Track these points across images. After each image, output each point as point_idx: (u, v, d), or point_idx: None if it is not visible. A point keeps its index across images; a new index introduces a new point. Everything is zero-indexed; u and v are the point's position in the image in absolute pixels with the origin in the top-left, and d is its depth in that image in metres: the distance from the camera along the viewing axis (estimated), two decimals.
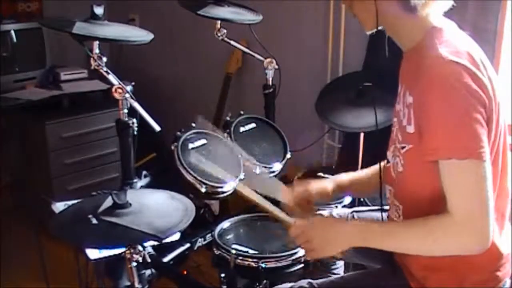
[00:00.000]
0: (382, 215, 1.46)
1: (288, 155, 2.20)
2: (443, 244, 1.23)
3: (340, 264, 1.82)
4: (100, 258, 1.72)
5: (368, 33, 1.41)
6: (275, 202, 2.26)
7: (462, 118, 1.19)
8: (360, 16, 1.40)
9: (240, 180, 1.97)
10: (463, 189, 1.20)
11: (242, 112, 2.23)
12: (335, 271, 1.78)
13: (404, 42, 1.37)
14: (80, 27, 1.75)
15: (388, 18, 1.34)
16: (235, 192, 1.83)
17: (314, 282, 1.54)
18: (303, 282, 1.55)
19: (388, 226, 1.41)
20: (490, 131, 1.24)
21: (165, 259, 1.93)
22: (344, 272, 1.84)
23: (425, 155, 1.23)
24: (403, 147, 1.34)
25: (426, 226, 1.24)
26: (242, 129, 2.19)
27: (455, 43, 1.26)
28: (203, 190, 1.86)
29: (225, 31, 2.31)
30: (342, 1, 1.43)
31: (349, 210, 1.79)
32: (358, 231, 1.36)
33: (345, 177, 1.67)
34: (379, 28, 1.37)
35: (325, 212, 1.75)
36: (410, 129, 1.29)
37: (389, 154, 1.45)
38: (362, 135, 2.25)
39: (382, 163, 1.48)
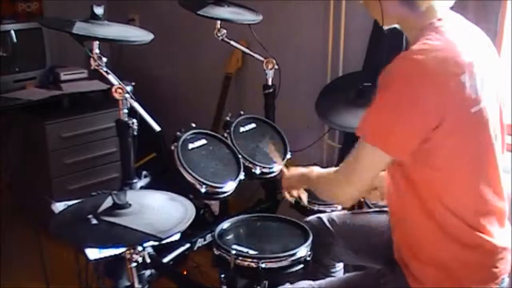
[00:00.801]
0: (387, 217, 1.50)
1: (288, 155, 2.20)
2: (326, 189, 1.56)
3: (340, 266, 1.82)
4: (100, 258, 1.72)
5: (386, 28, 1.43)
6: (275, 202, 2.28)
7: (392, 111, 1.27)
8: (373, 14, 1.43)
9: (241, 180, 1.97)
10: (357, 160, 1.36)
11: (242, 112, 2.23)
12: (334, 274, 1.78)
13: (411, 38, 1.39)
14: (80, 27, 1.75)
15: (393, 15, 1.37)
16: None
17: (314, 283, 1.54)
18: (303, 283, 1.55)
19: (314, 178, 1.63)
20: (451, 131, 1.27)
21: (165, 259, 1.93)
22: (344, 274, 1.84)
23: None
24: None
25: (322, 176, 1.58)
26: (242, 129, 2.19)
27: (435, 41, 1.28)
28: (203, 190, 1.86)
29: (225, 31, 2.31)
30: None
31: (348, 212, 1.79)
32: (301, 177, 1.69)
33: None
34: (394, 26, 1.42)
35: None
36: None
37: None
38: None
39: None
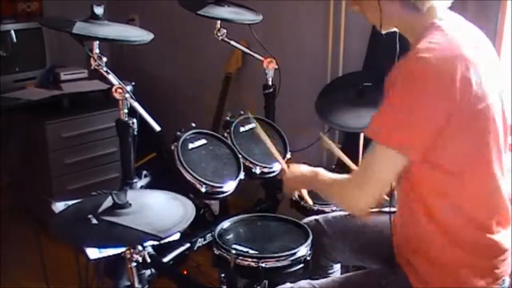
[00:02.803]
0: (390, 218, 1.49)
1: (288, 155, 2.20)
2: (337, 196, 1.51)
3: (337, 268, 1.82)
4: (100, 258, 1.72)
5: (383, 32, 1.42)
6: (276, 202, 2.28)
7: (403, 109, 1.26)
8: (369, 16, 1.42)
9: (241, 180, 1.97)
10: (370, 165, 1.34)
11: (242, 112, 2.23)
12: (331, 275, 1.78)
13: (410, 39, 1.39)
14: (80, 27, 1.75)
15: (394, 17, 1.36)
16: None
17: (314, 282, 1.54)
18: (303, 282, 1.55)
19: (320, 180, 1.57)
20: (457, 129, 1.26)
21: (165, 259, 1.92)
22: (343, 275, 1.84)
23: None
24: None
25: (333, 183, 1.50)
26: (242, 129, 2.19)
27: (439, 40, 1.28)
28: (203, 190, 1.86)
29: (225, 31, 2.31)
30: (351, 5, 1.46)
31: (345, 213, 1.79)
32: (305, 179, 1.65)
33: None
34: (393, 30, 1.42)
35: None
36: None
37: None
38: (362, 135, 2.25)
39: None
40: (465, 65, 1.26)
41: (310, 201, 1.86)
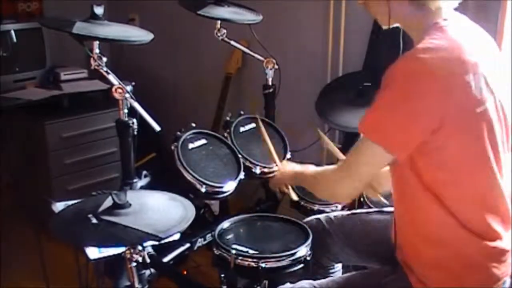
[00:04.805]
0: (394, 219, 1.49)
1: (288, 155, 2.20)
2: (324, 186, 1.55)
3: (339, 267, 1.82)
4: (100, 258, 1.72)
5: (385, 28, 1.43)
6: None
7: (394, 109, 1.27)
8: (376, 14, 1.43)
9: (241, 180, 1.97)
10: (356, 159, 1.38)
11: (242, 112, 2.23)
12: (332, 275, 1.78)
13: (415, 37, 1.38)
14: (80, 27, 1.75)
15: (399, 15, 1.37)
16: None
17: (315, 282, 1.54)
18: (304, 283, 1.55)
19: (309, 176, 1.63)
20: (455, 131, 1.26)
21: (165, 259, 1.93)
22: (344, 274, 1.84)
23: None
24: None
25: (317, 175, 1.57)
26: (242, 129, 2.19)
27: (440, 41, 1.28)
28: (203, 190, 1.86)
29: (225, 31, 2.31)
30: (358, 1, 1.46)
31: (346, 212, 1.79)
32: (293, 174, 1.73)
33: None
34: (396, 25, 1.42)
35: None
36: None
37: None
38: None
39: None
40: (464, 68, 1.26)
41: (294, 196, 1.86)
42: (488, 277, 1.37)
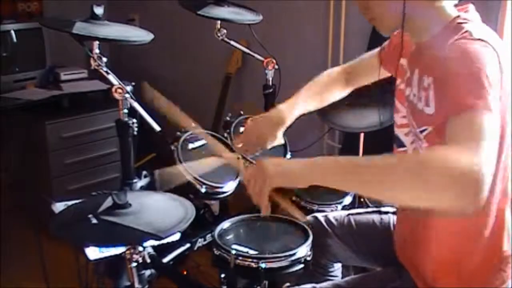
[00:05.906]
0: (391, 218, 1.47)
1: (288, 155, 2.20)
2: (436, 184, 0.98)
3: (338, 267, 1.82)
4: (100, 258, 1.72)
5: (385, 34, 1.39)
6: None
7: (478, 79, 1.13)
8: (381, 16, 1.35)
9: (241, 180, 1.97)
10: (477, 133, 1.05)
11: (242, 112, 2.23)
12: (332, 274, 1.78)
13: (420, 35, 1.35)
14: (80, 27, 1.75)
15: (411, 15, 1.31)
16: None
17: (318, 286, 1.54)
18: (307, 286, 1.55)
19: (353, 160, 1.15)
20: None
21: (165, 259, 1.92)
22: (343, 274, 1.83)
23: (449, 112, 1.11)
24: (422, 131, 1.29)
25: (415, 158, 1.08)
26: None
27: (480, 31, 1.25)
28: (203, 190, 1.86)
29: (225, 31, 2.31)
30: (360, 7, 1.38)
31: (345, 213, 1.78)
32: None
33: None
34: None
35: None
36: (429, 110, 1.24)
37: (407, 139, 1.44)
38: (362, 135, 2.25)
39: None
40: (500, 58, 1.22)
41: (300, 216, 1.48)
42: (493, 279, 1.37)
